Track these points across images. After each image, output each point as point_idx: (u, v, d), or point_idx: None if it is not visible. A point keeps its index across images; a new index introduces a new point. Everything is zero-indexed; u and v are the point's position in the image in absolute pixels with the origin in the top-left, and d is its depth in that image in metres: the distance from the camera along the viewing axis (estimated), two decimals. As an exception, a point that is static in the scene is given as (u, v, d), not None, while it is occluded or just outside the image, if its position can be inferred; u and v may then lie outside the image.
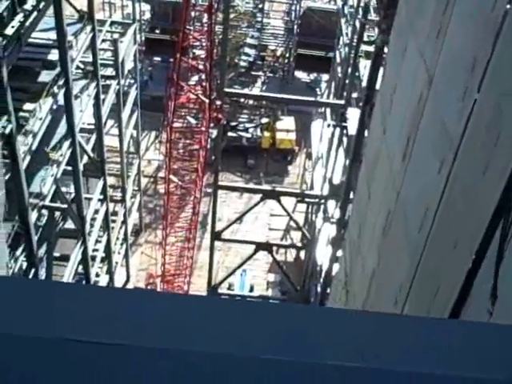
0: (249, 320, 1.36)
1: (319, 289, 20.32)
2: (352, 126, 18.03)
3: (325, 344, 1.32)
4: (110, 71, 23.40)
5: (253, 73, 41.86)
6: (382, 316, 1.49)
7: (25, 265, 16.44)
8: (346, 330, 1.36)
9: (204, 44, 25.62)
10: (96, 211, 22.63)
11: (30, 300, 1.35)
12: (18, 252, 16.02)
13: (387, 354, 1.32)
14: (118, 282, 27.16)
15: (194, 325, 1.33)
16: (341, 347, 1.31)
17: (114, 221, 25.58)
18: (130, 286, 28.67)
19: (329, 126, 23.62)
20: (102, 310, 1.35)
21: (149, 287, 28.40)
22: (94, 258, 22.63)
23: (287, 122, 37.54)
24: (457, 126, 5.54)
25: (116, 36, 24.84)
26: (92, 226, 22.12)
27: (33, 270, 16.53)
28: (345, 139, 20.24)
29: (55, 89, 17.36)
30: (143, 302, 1.39)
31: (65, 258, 20.37)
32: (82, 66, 20.73)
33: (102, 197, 22.83)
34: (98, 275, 24.08)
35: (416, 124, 7.46)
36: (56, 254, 20.86)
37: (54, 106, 17.74)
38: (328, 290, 17.76)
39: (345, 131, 19.96)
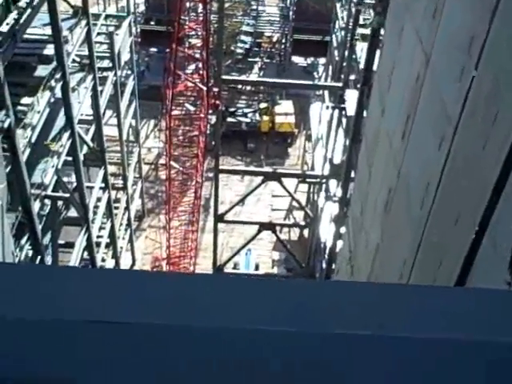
0: (255, 294, 1.35)
1: (324, 265, 20.48)
2: (350, 107, 18.10)
3: (331, 314, 1.31)
4: (106, 63, 23.43)
5: (250, 59, 41.69)
6: (386, 286, 1.45)
7: (30, 253, 16.61)
8: (351, 301, 1.35)
9: (200, 33, 25.62)
10: (98, 199, 22.75)
11: (39, 285, 1.34)
12: (23, 241, 16.18)
13: (393, 322, 1.30)
14: (124, 266, 27.33)
15: (201, 301, 1.32)
16: (347, 317, 1.30)
17: (116, 208, 25.69)
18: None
19: (327, 107, 23.66)
20: (110, 291, 1.34)
21: (155, 270, 28.57)
22: (98, 244, 22.78)
23: (286, 106, 37.48)
24: (455, 102, 5.65)
25: (111, 29, 24.85)
26: (95, 213, 22.26)
27: (39, 258, 16.70)
28: (344, 120, 20.31)
29: (52, 82, 17.43)
30: (150, 281, 1.37)
31: (70, 245, 20.54)
32: (78, 59, 20.79)
33: (103, 185, 22.93)
34: (103, 260, 24.25)
35: (414, 103, 7.57)
36: (61, 242, 21.04)
37: (52, 99, 17.82)
38: (333, 266, 17.93)
39: (343, 112, 20.02)
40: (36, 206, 16.61)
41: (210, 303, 1.31)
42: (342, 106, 19.97)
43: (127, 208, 27.47)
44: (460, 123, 5.54)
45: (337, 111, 21.14)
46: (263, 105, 38.05)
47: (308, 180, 27.05)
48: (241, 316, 1.29)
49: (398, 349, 1.26)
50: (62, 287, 1.34)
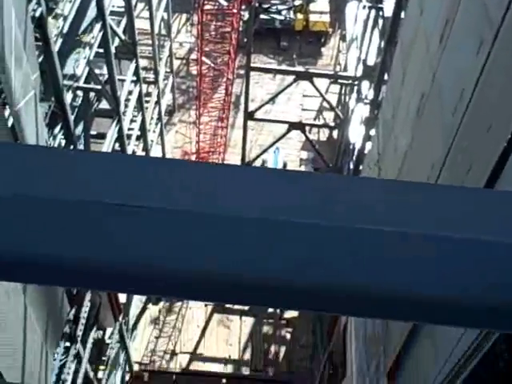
0: (284, 186, 1.34)
1: (351, 166, 20.53)
2: (388, 7, 17.67)
3: (357, 209, 1.30)
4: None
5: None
6: (414, 184, 1.41)
7: (63, 142, 16.84)
8: (378, 197, 1.33)
9: None
10: (130, 92, 22.75)
11: (69, 167, 1.37)
12: (56, 130, 16.40)
13: (418, 219, 1.30)
14: (155, 158, 27.54)
15: (225, 190, 1.32)
16: (372, 212, 1.30)
17: (147, 101, 25.70)
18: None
19: (364, 7, 23.03)
20: (137, 176, 1.35)
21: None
22: (129, 137, 22.96)
23: (321, 4, 36.50)
24: (498, 4, 5.50)
25: None
26: (126, 106, 22.32)
27: (71, 147, 16.94)
28: (380, 21, 19.84)
29: (83, -29, 17.16)
30: (177, 169, 1.38)
31: (101, 136, 20.76)
32: None
33: (134, 78, 22.87)
34: (134, 152, 24.50)
35: (455, 4, 7.37)
36: (93, 133, 21.27)
37: (83, -12, 17.62)
38: (360, 168, 17.96)
39: (380, 13, 19.55)
40: (68, 97, 16.72)
41: (234, 192, 1.32)
42: (380, 5, 19.48)
43: (158, 102, 27.46)
44: (502, 27, 5.41)
45: (373, 11, 20.63)
46: (298, 2, 37.13)
47: (340, 81, 26.70)
48: (262, 206, 1.29)
49: (422, 246, 1.27)
50: (92, 170, 1.36)
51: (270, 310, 23.78)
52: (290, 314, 24.18)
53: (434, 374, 6.88)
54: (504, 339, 5.17)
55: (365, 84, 20.31)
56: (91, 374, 16.41)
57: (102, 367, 18.63)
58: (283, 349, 23.94)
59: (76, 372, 14.97)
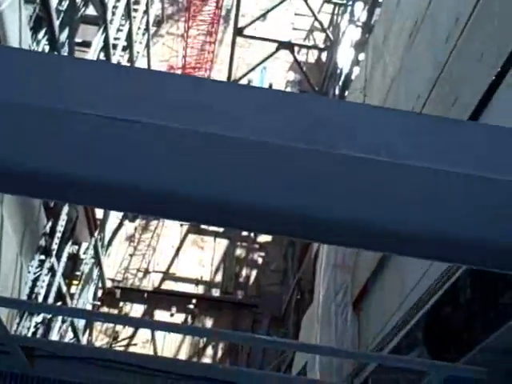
0: (267, 106, 1.30)
1: (337, 91, 20.41)
2: None
3: (342, 135, 1.27)
4: None
5: None
6: (400, 112, 1.38)
7: (47, 48, 16.45)
8: (365, 124, 1.30)
9: None
10: (118, -2, 22.21)
11: (45, 72, 1.32)
12: (40, 35, 15.97)
13: (402, 149, 1.27)
14: (139, 72, 27.12)
15: (213, 107, 1.28)
16: (358, 140, 1.27)
17: (136, 10, 25.11)
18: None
19: None
20: (120, 87, 1.31)
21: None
22: (115, 47, 22.48)
23: None
24: None
25: None
26: (114, 14, 21.77)
27: (55, 54, 16.56)
28: None
29: None
30: (160, 82, 1.33)
31: (87, 45, 20.30)
32: None
33: (124, -17, 22.28)
34: (119, 63, 24.05)
35: None
36: (78, 40, 20.77)
37: None
38: (346, 93, 17.91)
39: None
40: (54, 0, 16.24)
41: (223, 110, 1.28)
42: None
43: (146, 11, 26.84)
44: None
45: None
46: None
47: (334, 0, 26.32)
48: (254, 128, 1.27)
49: (403, 175, 1.27)
50: (71, 77, 1.33)
51: (245, 233, 23.94)
52: (264, 238, 24.38)
53: (397, 305, 7.02)
54: (467, 276, 5.25)
55: (359, 5, 19.97)
56: (64, 289, 16.48)
57: (75, 282, 18.75)
58: (254, 272, 24.26)
59: (49, 286, 15.02)
